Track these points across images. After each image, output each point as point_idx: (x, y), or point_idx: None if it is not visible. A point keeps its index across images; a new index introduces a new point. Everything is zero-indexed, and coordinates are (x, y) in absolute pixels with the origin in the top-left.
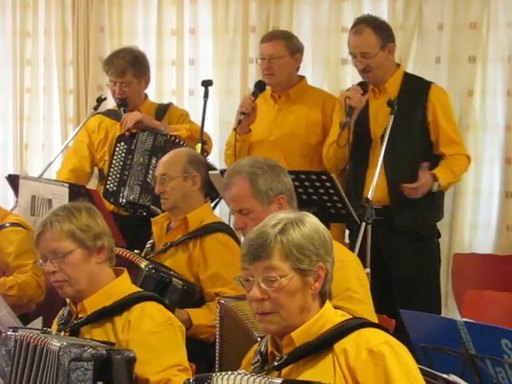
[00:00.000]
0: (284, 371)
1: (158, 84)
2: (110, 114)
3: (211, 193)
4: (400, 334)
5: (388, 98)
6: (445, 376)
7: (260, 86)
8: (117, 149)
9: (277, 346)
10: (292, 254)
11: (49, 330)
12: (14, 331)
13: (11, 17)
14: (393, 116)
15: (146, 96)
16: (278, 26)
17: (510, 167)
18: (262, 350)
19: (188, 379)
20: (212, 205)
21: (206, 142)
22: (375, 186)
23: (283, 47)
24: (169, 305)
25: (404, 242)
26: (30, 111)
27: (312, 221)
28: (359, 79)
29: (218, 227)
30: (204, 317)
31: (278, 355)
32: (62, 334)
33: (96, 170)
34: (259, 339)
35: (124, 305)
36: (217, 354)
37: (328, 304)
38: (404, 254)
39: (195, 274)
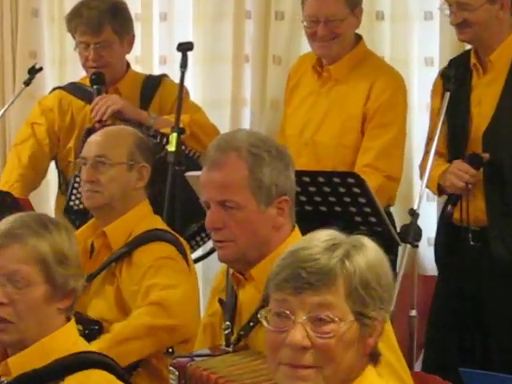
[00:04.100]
0: None
1: None
2: (75, 90)
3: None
4: None
5: (497, 76)
6: None
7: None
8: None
9: None
10: (357, 291)
11: None
12: None
13: None
14: (449, 93)
15: (128, 65)
16: None
17: None
18: None
19: None
20: (194, 256)
21: (183, 130)
22: None
23: (343, 3)
24: None
25: (503, 276)
26: None
27: (374, 247)
28: None
29: (149, 237)
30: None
31: None
32: None
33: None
34: None
35: (58, 371)
36: None
37: (373, 369)
38: (500, 293)
39: (130, 311)
